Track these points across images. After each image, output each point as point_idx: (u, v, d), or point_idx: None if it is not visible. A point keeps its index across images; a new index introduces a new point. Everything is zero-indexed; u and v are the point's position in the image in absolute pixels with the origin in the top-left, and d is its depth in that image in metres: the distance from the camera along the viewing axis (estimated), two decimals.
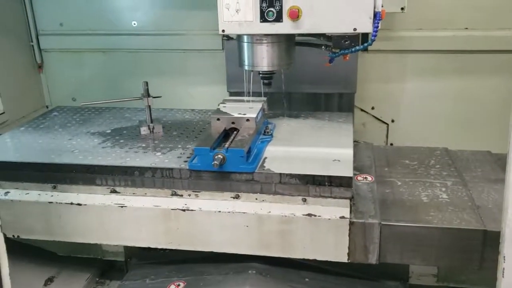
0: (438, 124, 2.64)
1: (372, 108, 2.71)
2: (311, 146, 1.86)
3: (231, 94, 2.56)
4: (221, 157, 1.63)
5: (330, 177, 1.63)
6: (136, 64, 2.78)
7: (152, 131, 2.06)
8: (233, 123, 1.84)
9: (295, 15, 1.62)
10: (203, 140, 1.75)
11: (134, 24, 2.71)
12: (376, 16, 1.62)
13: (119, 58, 2.80)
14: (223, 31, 1.70)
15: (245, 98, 2.02)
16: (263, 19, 1.65)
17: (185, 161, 1.75)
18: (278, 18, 1.64)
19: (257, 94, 2.02)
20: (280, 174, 1.65)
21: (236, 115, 1.84)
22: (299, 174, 1.64)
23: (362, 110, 2.70)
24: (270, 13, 1.64)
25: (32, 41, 2.83)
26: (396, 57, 2.59)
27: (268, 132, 1.92)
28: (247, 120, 1.82)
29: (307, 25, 1.64)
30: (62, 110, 2.41)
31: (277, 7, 1.63)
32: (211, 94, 2.73)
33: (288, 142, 1.90)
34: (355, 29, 1.63)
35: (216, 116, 1.84)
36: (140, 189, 1.76)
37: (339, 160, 1.73)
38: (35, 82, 2.91)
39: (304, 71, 2.36)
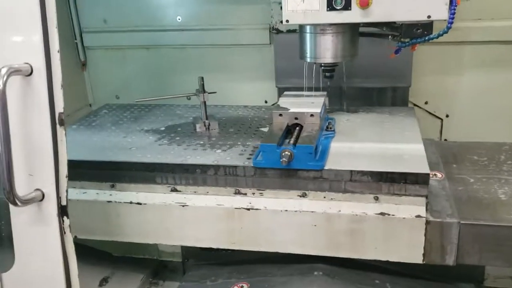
0: (496, 119, 2.50)
1: (426, 102, 2.59)
2: (377, 142, 1.77)
3: (280, 89, 2.49)
4: (289, 153, 1.56)
5: (405, 174, 1.54)
6: (181, 61, 2.71)
7: (208, 128, 2.00)
8: (296, 118, 1.76)
9: (365, 3, 1.54)
10: (268, 136, 1.68)
11: (179, 19, 2.63)
12: (452, 2, 1.53)
13: (164, 54, 2.73)
14: (287, 21, 1.62)
15: (305, 92, 1.94)
16: (331, 7, 1.58)
17: (248, 158, 1.68)
18: (347, 6, 1.57)
19: (308, 88, 1.95)
20: (351, 171, 1.57)
21: (299, 110, 1.76)
22: (371, 171, 1.56)
23: (415, 104, 2.58)
24: (338, 0, 1.56)
25: (76, 39, 2.78)
26: (453, 49, 2.47)
27: (330, 128, 1.84)
28: (311, 115, 1.74)
29: (378, 13, 1.57)
30: (111, 108, 2.37)
31: None
32: (258, 90, 2.66)
33: (353, 138, 1.81)
34: (429, 17, 1.55)
35: (278, 112, 1.77)
36: (201, 187, 1.70)
37: (410, 156, 1.64)
38: (78, 80, 2.87)
39: (356, 64, 2.26)
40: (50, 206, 1.33)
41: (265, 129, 1.96)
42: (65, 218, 1.33)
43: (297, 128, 1.76)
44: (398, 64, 2.30)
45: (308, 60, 1.79)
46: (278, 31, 2.38)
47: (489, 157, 1.93)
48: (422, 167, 1.55)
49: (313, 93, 1.90)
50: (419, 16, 1.56)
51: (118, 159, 1.76)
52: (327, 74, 1.84)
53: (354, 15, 1.57)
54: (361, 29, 1.81)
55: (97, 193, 1.76)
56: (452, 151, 2.02)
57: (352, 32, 1.76)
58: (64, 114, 1.29)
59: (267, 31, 2.53)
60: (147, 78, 2.80)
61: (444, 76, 2.51)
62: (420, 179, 1.53)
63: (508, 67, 2.41)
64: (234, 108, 2.27)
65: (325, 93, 1.95)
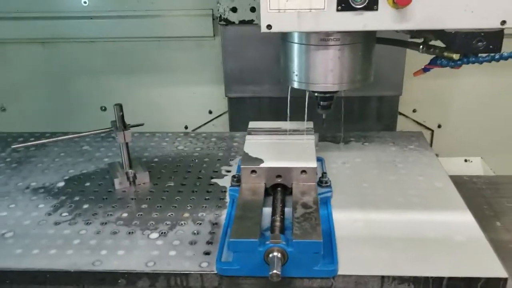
0: (499, 131, 2.07)
1: (414, 110, 2.11)
2: (401, 207, 1.16)
3: (231, 100, 1.84)
4: (281, 256, 0.91)
5: (469, 280, 0.94)
6: (91, 59, 2.02)
7: (133, 182, 1.29)
8: (278, 176, 1.10)
9: (405, 0, 0.90)
10: (240, 219, 1.00)
11: (85, 3, 1.92)
12: None
13: (66, 51, 2.01)
14: (268, 27, 0.95)
15: (283, 124, 1.29)
16: (344, 5, 0.92)
17: (207, 253, 1.01)
18: (372, 5, 0.92)
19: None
20: (383, 277, 0.95)
21: (284, 164, 1.10)
22: (415, 277, 0.94)
23: (400, 113, 2.05)
24: None
25: None
26: None
27: (325, 183, 1.20)
28: (303, 171, 1.09)
29: (421, 17, 0.96)
30: None
31: None
32: (199, 96, 2.07)
33: (361, 200, 1.18)
34: (503, 23, 0.95)
35: (250, 167, 1.10)
36: None
37: (464, 238, 1.04)
38: None
39: None
40: None
41: (222, 182, 1.29)
42: None
43: (279, 189, 1.11)
44: (386, 67, 1.77)
45: (296, 85, 1.13)
46: (228, 22, 1.72)
47: None
48: (492, 266, 0.96)
49: (296, 124, 1.25)
50: (485, 22, 0.95)
51: None
52: (323, 104, 1.18)
53: (384, 19, 0.93)
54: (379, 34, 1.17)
55: None
56: (480, 193, 1.47)
57: (368, 42, 1.11)
58: None
59: (210, 19, 1.91)
60: (45, 83, 2.11)
61: (436, 78, 2.01)
62: (491, 286, 0.94)
63: None
64: (171, 139, 1.57)
65: (311, 125, 1.30)
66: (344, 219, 1.10)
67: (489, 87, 2.02)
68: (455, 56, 1.04)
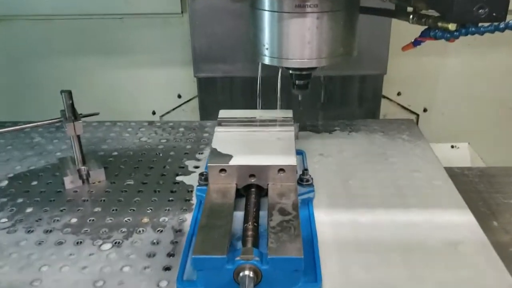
0: (487, 115, 1.96)
1: (398, 94, 1.98)
2: (394, 207, 1.02)
3: (200, 80, 1.69)
4: (253, 275, 0.76)
5: None
6: (48, 39, 1.85)
7: (87, 180, 1.13)
8: (252, 176, 0.95)
9: None
10: (204, 228, 0.84)
11: None
12: None
13: (21, 29, 1.85)
14: None
15: (258, 112, 1.13)
16: None
17: (167, 269, 0.86)
18: None
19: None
20: None
21: (258, 162, 0.95)
22: None
23: (384, 96, 1.92)
24: None
25: None
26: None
27: (307, 181, 1.05)
28: (281, 170, 0.94)
29: None
30: None
31: None
32: (167, 79, 1.92)
33: (348, 200, 1.04)
34: None
35: (218, 165, 0.94)
36: None
37: (466, 247, 0.91)
38: None
39: None
40: None
41: (189, 180, 1.13)
42: None
43: (253, 190, 0.96)
44: (369, 44, 1.61)
45: (268, 61, 0.96)
46: None
47: None
48: (503, 281, 0.83)
49: (272, 112, 1.10)
50: None
51: None
52: (300, 83, 1.03)
53: None
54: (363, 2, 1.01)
55: None
56: (473, 187, 1.35)
57: (351, 10, 0.95)
58: None
59: None
60: None
61: (423, 57, 1.89)
62: None
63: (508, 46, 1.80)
64: (133, 129, 1.40)
65: (291, 113, 1.14)
66: (329, 224, 0.96)
67: (478, 67, 1.90)
68: (451, 27, 0.88)
